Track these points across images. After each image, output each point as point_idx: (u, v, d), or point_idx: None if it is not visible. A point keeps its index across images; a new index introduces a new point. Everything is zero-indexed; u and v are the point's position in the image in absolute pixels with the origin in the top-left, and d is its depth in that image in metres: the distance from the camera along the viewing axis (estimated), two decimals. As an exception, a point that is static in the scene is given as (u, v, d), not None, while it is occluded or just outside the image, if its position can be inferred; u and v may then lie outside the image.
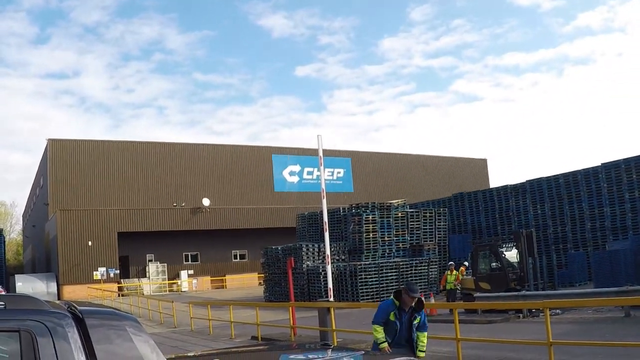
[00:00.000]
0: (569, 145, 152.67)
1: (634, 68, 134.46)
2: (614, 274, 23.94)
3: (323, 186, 20.10)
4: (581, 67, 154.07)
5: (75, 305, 3.64)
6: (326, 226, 20.26)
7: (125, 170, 59.01)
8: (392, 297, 9.26)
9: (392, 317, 8.98)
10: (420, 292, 9.54)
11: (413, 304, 9.02)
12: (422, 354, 9.18)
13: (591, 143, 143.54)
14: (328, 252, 20.55)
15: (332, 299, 19.73)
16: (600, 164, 33.02)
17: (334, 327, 16.43)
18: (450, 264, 28.52)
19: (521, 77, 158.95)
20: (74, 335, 3.32)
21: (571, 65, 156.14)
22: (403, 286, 9.61)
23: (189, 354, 7.30)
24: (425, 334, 9.29)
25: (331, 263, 32.29)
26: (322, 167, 20.18)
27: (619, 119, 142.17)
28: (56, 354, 3.20)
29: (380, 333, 9.05)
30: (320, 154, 19.71)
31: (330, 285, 19.86)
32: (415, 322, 9.07)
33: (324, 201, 19.99)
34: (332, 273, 31.58)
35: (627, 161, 31.57)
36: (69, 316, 3.42)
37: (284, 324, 20.45)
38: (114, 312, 3.71)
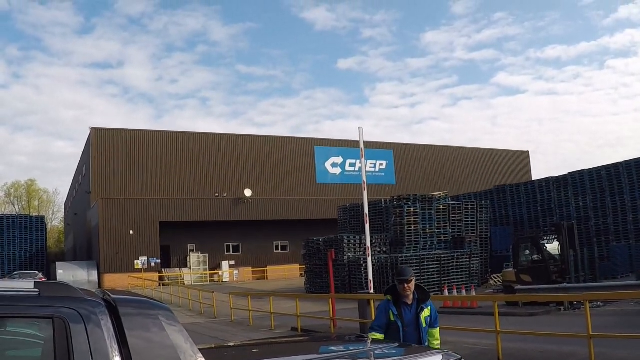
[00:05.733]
0: (611, 137, 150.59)
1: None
2: (656, 266, 23.77)
3: (364, 178, 20.24)
4: (622, 59, 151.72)
5: (110, 294, 3.65)
6: (367, 218, 20.35)
7: (167, 160, 59.44)
8: (385, 294, 7.65)
9: (391, 318, 7.23)
10: (413, 275, 7.35)
11: (411, 294, 7.24)
12: None
13: (633, 136, 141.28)
14: (369, 243, 20.57)
15: (372, 290, 19.76)
16: (642, 155, 32.70)
17: (373, 318, 16.56)
18: None
19: (563, 69, 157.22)
20: (107, 323, 3.32)
21: (612, 58, 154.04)
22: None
23: (228, 344, 7.54)
24: (438, 329, 7.51)
25: (372, 255, 32.43)
26: (362, 159, 20.31)
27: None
28: (89, 341, 3.21)
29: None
30: (362, 145, 19.85)
31: (370, 277, 19.93)
32: (424, 315, 7.24)
33: (365, 193, 20.08)
34: (373, 265, 31.70)
35: (671, 153, 31.24)
36: (102, 304, 3.43)
37: (324, 315, 20.52)
38: (148, 301, 3.72)
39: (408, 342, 7.13)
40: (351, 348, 5.24)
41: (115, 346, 3.28)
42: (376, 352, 4.97)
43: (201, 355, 3.46)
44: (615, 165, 34.11)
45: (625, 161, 33.79)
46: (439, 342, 7.52)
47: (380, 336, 7.14)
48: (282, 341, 6.56)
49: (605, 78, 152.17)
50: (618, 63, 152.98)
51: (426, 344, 7.14)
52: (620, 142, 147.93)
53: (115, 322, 3.38)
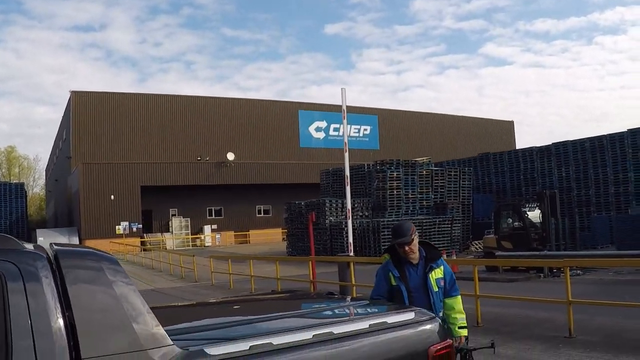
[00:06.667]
0: (596, 113, 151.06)
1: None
2: (635, 238, 23.80)
3: (346, 139, 20.09)
4: (610, 36, 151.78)
5: (54, 245, 3.42)
6: (348, 180, 20.35)
7: (149, 123, 58.95)
8: (383, 253, 6.34)
9: (393, 282, 5.90)
10: (415, 233, 5.89)
11: (415, 255, 5.91)
12: (463, 331, 5.91)
13: (618, 112, 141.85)
14: (349, 206, 20.53)
15: (352, 253, 19.71)
16: (626, 130, 32.68)
17: (353, 282, 16.53)
18: None
19: (551, 43, 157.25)
20: (47, 277, 3.04)
21: (601, 34, 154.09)
22: None
23: (184, 303, 7.23)
24: (458, 298, 6.03)
25: (354, 219, 32.46)
26: (344, 121, 20.12)
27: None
28: (26, 295, 2.94)
29: None
30: (344, 107, 19.67)
31: (350, 240, 19.87)
32: (434, 277, 5.84)
33: (346, 155, 19.92)
34: (355, 229, 31.75)
35: (653, 127, 31.29)
36: (43, 256, 3.16)
37: (304, 278, 20.48)
38: (93, 252, 3.43)
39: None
40: (315, 305, 5.07)
41: (57, 304, 3.00)
42: (341, 308, 4.78)
43: (150, 311, 3.22)
44: (600, 138, 34.08)
45: (609, 134, 33.78)
46: (462, 315, 5.97)
47: None
48: (241, 299, 6.23)
49: (593, 54, 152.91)
50: (606, 40, 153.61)
51: (440, 313, 5.75)
52: (606, 117, 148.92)
53: (58, 275, 3.13)
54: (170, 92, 68.61)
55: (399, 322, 4.07)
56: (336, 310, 4.70)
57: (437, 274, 5.87)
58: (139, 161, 56.15)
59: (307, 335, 3.57)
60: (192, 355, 3.18)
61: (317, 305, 5.08)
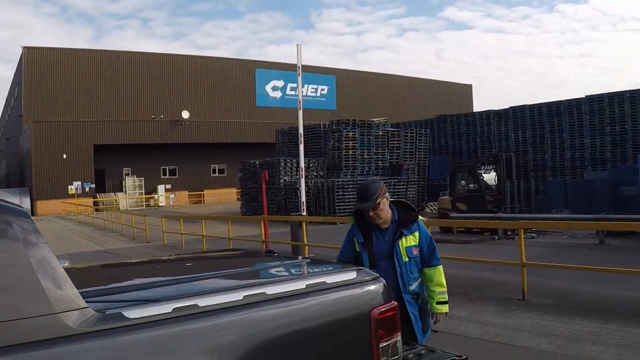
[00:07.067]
0: (555, 80, 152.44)
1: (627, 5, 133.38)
2: (590, 203, 23.80)
3: (300, 98, 20.00)
4: (572, 4, 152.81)
5: None
6: (302, 138, 20.26)
7: (103, 81, 57.71)
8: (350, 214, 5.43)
9: (357, 248, 5.18)
10: (384, 193, 5.06)
11: (383, 219, 5.08)
12: (441, 307, 5.19)
13: (577, 80, 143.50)
14: (302, 164, 20.38)
15: (304, 213, 19.46)
16: (584, 96, 32.70)
17: (305, 242, 16.36)
18: None
19: (512, 9, 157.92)
20: None
21: (562, 2, 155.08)
22: None
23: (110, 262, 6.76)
24: (439, 269, 5.18)
25: (310, 179, 32.17)
26: (299, 79, 19.85)
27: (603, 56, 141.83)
28: None
29: None
30: (299, 64, 19.34)
31: (303, 199, 19.66)
32: (404, 245, 5.04)
33: (300, 113, 19.90)
34: (310, 189, 31.47)
35: (610, 96, 31.32)
36: None
37: (257, 238, 20.13)
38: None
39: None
40: (251, 265, 4.64)
41: None
42: (280, 268, 4.37)
43: (63, 271, 2.78)
44: (557, 104, 34.02)
45: (567, 100, 33.74)
46: (441, 289, 5.18)
47: None
48: (172, 259, 5.73)
49: (554, 21, 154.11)
50: (568, 8, 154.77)
51: (413, 286, 5.07)
52: (565, 85, 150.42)
53: None
54: (125, 49, 66.75)
55: (339, 282, 3.68)
56: (273, 270, 4.32)
57: (409, 241, 5.07)
58: (92, 119, 54.93)
59: (237, 296, 3.22)
60: (109, 318, 2.78)
61: (254, 265, 4.64)
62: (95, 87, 57.13)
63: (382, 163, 36.52)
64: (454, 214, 23.99)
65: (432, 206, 33.51)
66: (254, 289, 3.35)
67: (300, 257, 4.58)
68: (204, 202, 59.00)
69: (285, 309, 3.34)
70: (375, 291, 3.77)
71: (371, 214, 5.01)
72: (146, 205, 55.96)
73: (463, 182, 25.99)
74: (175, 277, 3.93)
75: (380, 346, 3.56)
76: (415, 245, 5.07)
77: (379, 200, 4.99)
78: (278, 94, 67.47)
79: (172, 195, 58.84)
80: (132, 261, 6.21)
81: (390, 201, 5.21)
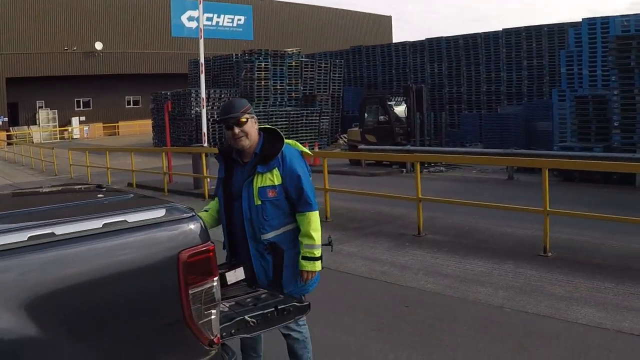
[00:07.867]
0: (477, 13, 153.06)
1: None
2: (503, 137, 23.77)
3: (201, 26, 20.40)
4: None
5: None
6: (202, 67, 20.24)
7: (13, 11, 54.42)
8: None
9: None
10: (250, 112, 4.27)
11: (246, 144, 4.24)
12: (307, 265, 4.25)
13: (498, 14, 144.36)
14: (203, 95, 20.00)
15: (206, 144, 18.97)
16: (501, 29, 32.45)
17: (205, 174, 16.21)
18: None
19: None
20: None
21: None
22: None
23: None
24: (310, 215, 4.26)
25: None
26: (201, 6, 19.59)
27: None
28: None
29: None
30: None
31: (204, 130, 19.21)
32: (258, 184, 4.18)
33: (202, 42, 20.84)
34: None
35: (528, 29, 31.10)
36: None
37: (161, 170, 19.60)
38: None
39: (233, 228, 4.34)
40: (57, 201, 3.97)
41: None
42: (87, 204, 3.75)
43: None
44: (474, 36, 33.72)
45: (484, 32, 33.44)
46: (311, 241, 4.24)
47: (204, 214, 4.42)
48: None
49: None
50: None
51: (266, 236, 4.20)
52: (486, 19, 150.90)
53: None
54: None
55: (142, 221, 3.16)
56: (77, 207, 3.66)
57: (264, 180, 4.17)
58: (3, 52, 52.48)
59: (21, 236, 2.76)
60: None
61: (62, 202, 3.92)
62: (4, 17, 54.24)
63: (295, 94, 35.70)
64: (363, 146, 23.55)
65: (345, 138, 33.21)
66: (43, 229, 2.85)
67: (130, 194, 3.82)
68: (118, 134, 57.79)
69: (75, 251, 2.87)
70: (187, 231, 3.25)
71: (236, 131, 4.18)
72: (60, 138, 54.54)
73: (373, 114, 25.56)
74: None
75: (191, 292, 3.13)
76: (272, 186, 4.17)
77: (246, 116, 4.21)
78: (194, 25, 65.00)
79: (86, 128, 57.33)
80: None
81: (260, 128, 4.39)
